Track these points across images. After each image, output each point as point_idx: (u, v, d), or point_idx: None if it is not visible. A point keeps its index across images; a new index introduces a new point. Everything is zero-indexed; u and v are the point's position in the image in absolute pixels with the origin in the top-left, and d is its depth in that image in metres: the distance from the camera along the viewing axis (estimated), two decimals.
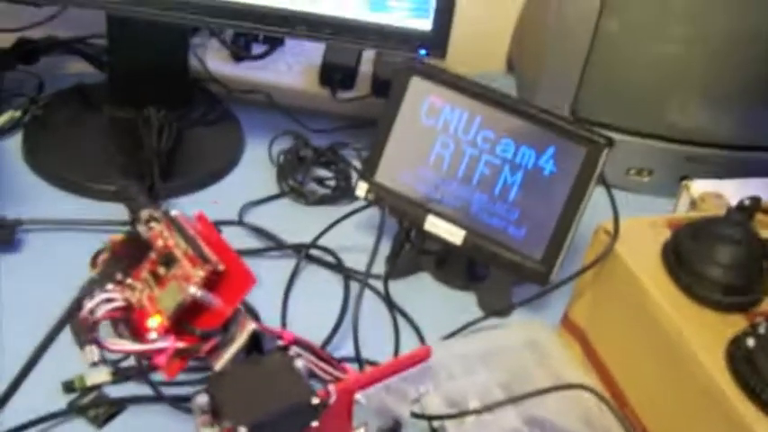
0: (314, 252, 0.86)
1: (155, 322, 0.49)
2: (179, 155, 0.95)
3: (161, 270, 0.50)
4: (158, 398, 0.68)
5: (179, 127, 0.97)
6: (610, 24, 0.98)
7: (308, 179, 0.97)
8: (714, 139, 1.04)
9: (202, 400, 0.47)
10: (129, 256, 0.52)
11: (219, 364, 0.49)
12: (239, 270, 0.50)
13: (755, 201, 0.74)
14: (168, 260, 0.50)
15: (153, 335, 0.48)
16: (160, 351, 0.48)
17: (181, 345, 0.49)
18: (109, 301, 0.49)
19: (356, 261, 0.86)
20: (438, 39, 0.85)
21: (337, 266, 0.85)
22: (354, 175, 0.98)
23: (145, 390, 0.70)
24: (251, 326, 0.50)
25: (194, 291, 0.48)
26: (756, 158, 1.05)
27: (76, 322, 0.67)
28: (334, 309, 0.81)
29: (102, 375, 0.70)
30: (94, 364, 0.66)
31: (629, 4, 0.97)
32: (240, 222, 0.89)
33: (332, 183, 0.97)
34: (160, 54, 0.99)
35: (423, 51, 0.86)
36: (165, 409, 0.68)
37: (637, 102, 1.02)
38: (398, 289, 0.84)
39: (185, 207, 0.87)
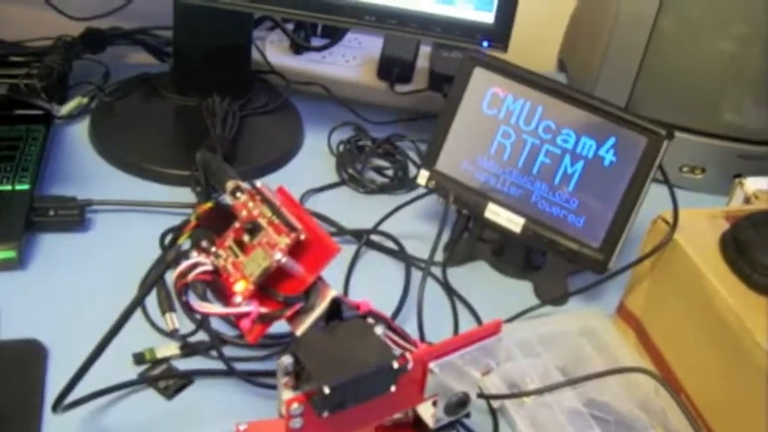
0: (374, 238, 0.88)
1: (240, 287, 0.51)
2: (241, 142, 0.98)
3: (245, 238, 0.52)
4: (226, 372, 0.70)
5: (241, 115, 1.00)
6: (667, 22, 0.99)
7: (367, 168, 0.99)
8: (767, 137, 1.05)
9: (287, 361, 0.49)
10: (213, 225, 0.54)
11: (301, 328, 0.51)
12: (321, 239, 0.52)
13: None
14: (253, 229, 0.52)
15: (238, 299, 0.50)
16: (244, 315, 0.50)
17: (264, 309, 0.51)
18: (198, 264, 0.51)
19: (414, 247, 0.87)
20: (501, 31, 0.87)
21: (398, 252, 0.87)
22: (411, 167, 1.00)
23: (211, 364, 0.72)
24: (332, 293, 0.52)
25: (280, 257, 0.50)
26: None
27: (163, 289, 0.70)
28: (393, 293, 0.83)
29: (171, 349, 0.73)
30: (174, 331, 0.69)
31: (686, 2, 0.98)
32: None
33: (390, 173, 0.99)
34: (224, 43, 1.01)
35: (485, 43, 0.87)
36: (232, 383, 0.71)
37: (692, 99, 1.04)
38: (456, 276, 0.86)
39: None
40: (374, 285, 0.83)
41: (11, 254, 0.79)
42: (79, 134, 0.99)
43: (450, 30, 0.88)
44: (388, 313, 0.79)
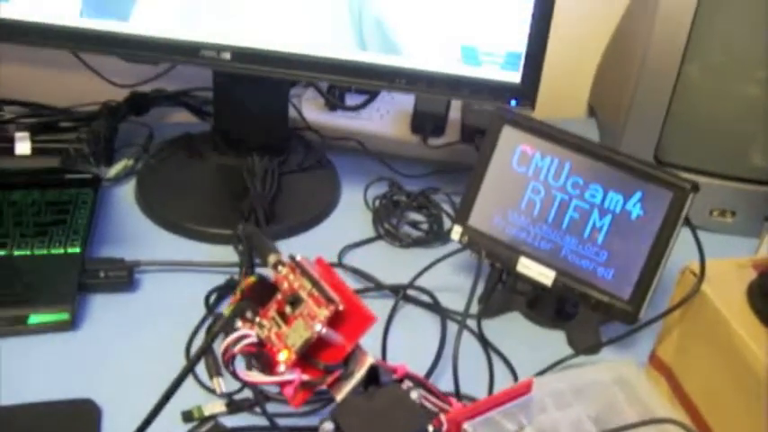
0: (410, 292, 0.91)
1: (283, 356, 0.54)
2: (280, 200, 1.02)
3: (287, 309, 0.56)
4: (270, 428, 0.73)
5: (279, 173, 1.04)
6: (692, 69, 1.02)
7: (402, 222, 1.02)
8: None
9: (329, 427, 0.52)
10: (256, 296, 0.57)
11: (341, 394, 0.54)
12: (358, 309, 0.55)
13: None
14: (294, 300, 0.55)
15: (282, 368, 0.54)
16: (288, 383, 0.53)
17: (306, 377, 0.54)
18: (244, 337, 0.54)
19: (449, 300, 0.90)
20: (527, 90, 0.90)
21: (434, 306, 0.89)
22: (446, 219, 1.03)
23: (256, 420, 0.75)
24: (370, 360, 0.55)
25: (320, 328, 0.53)
26: None
27: (211, 355, 0.74)
28: (429, 346, 0.85)
29: (217, 406, 0.76)
30: (222, 394, 0.72)
31: (710, 49, 1.01)
32: (340, 264, 0.95)
33: (424, 226, 1.02)
34: (262, 105, 1.06)
35: (513, 102, 0.91)
36: None
37: (719, 144, 1.06)
38: (491, 327, 0.88)
39: (287, 250, 0.93)
40: (411, 338, 0.86)
41: (64, 316, 0.83)
42: (126, 195, 1.04)
43: (478, 90, 0.91)
44: (424, 366, 0.82)
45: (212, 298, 0.87)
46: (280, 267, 0.57)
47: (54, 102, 1.11)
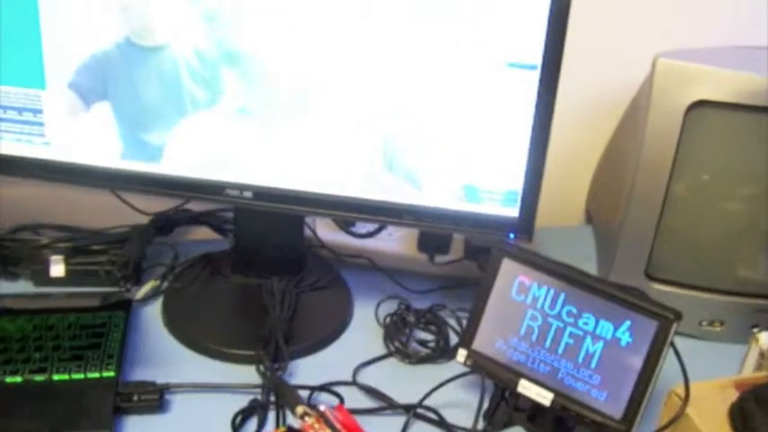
0: (420, 410, 0.98)
1: None
2: (297, 319, 1.09)
3: None
4: None
5: (297, 293, 1.12)
6: (679, 187, 1.09)
7: (412, 340, 1.10)
8: None
9: None
10: None
11: None
12: None
13: None
14: None
15: None
16: None
17: None
18: None
19: (456, 417, 0.97)
20: (524, 224, 0.99)
21: (442, 424, 0.97)
22: (452, 334, 1.11)
23: None
24: None
25: None
26: None
27: None
28: None
29: None
30: None
31: (696, 168, 1.08)
32: (354, 383, 1.02)
33: (432, 344, 1.09)
34: (279, 232, 1.14)
35: (511, 235, 0.99)
36: None
37: (707, 258, 1.13)
38: None
39: (305, 368, 1.02)
40: None
41: None
42: (153, 315, 1.12)
43: (479, 225, 1.00)
44: None
45: (238, 419, 0.94)
46: (306, 418, 0.65)
47: (81, 224, 1.19)
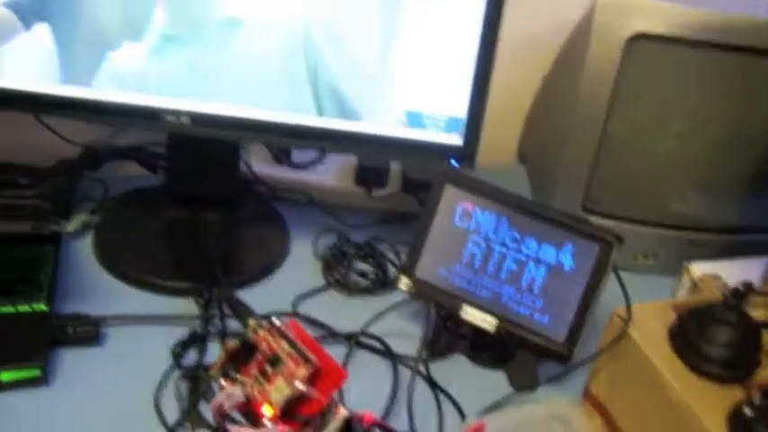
0: (362, 339, 0.98)
1: (267, 411, 0.60)
2: (233, 253, 1.07)
3: (268, 368, 0.62)
4: None
5: (231, 227, 1.10)
6: (616, 124, 1.10)
7: (351, 272, 1.09)
8: (711, 223, 1.17)
9: None
10: (238, 355, 0.63)
11: None
12: (332, 366, 0.61)
13: (747, 287, 0.86)
14: (274, 360, 0.62)
15: (266, 422, 0.60)
16: None
17: (288, 429, 0.60)
18: (233, 395, 0.60)
19: (398, 345, 0.97)
20: (468, 151, 0.99)
21: (385, 352, 0.96)
22: (390, 267, 1.10)
23: None
24: (344, 412, 0.61)
25: (301, 386, 0.60)
26: (749, 239, 1.18)
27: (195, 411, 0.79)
28: (381, 389, 0.92)
29: None
30: None
31: (633, 105, 1.10)
32: (295, 313, 1.01)
33: (371, 275, 1.09)
34: (214, 162, 1.11)
35: (454, 162, 0.98)
36: None
37: (642, 193, 1.15)
38: (437, 369, 0.95)
39: (245, 301, 1.00)
40: (364, 382, 0.92)
41: (36, 372, 0.87)
42: (85, 250, 1.08)
43: (422, 152, 0.99)
44: (379, 409, 0.89)
45: (178, 350, 0.92)
46: (259, 330, 0.63)
47: (6, 158, 1.15)
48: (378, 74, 0.96)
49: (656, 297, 0.99)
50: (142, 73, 0.96)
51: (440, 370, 0.95)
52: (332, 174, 1.23)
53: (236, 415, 0.62)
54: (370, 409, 0.86)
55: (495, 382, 0.96)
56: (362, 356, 0.97)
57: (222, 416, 0.60)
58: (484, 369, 0.98)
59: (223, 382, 0.63)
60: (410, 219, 1.06)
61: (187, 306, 1.00)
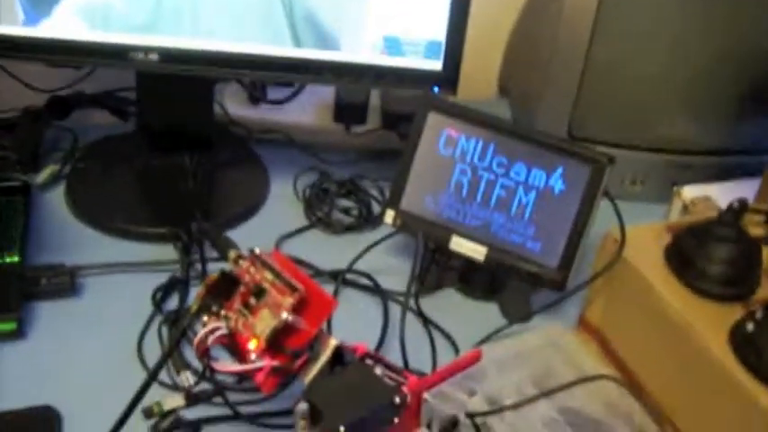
0: (349, 276, 0.95)
1: (253, 345, 0.57)
2: (212, 196, 1.04)
3: (252, 300, 0.59)
4: (232, 416, 0.76)
5: (209, 169, 1.06)
6: (599, 50, 1.07)
7: (334, 210, 1.06)
8: (699, 146, 1.14)
9: (303, 407, 0.55)
10: (220, 290, 0.60)
11: (309, 376, 0.58)
12: (319, 295, 0.58)
13: (743, 203, 0.83)
14: (258, 291, 0.59)
15: (253, 356, 0.57)
16: (260, 369, 0.57)
17: (276, 363, 0.57)
18: (215, 329, 0.57)
19: (387, 281, 0.94)
20: (449, 76, 0.95)
21: (374, 288, 0.93)
22: (374, 204, 1.07)
23: (217, 411, 0.78)
24: (334, 342, 0.58)
25: (286, 316, 0.57)
26: (737, 161, 1.15)
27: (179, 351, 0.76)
28: (372, 326, 0.89)
29: (177, 400, 0.78)
30: (189, 387, 0.75)
31: (616, 32, 1.06)
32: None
33: (355, 212, 1.06)
34: (187, 103, 1.07)
35: (435, 88, 0.95)
36: (239, 427, 0.76)
37: (628, 118, 1.12)
38: (427, 304, 0.93)
39: None
40: (354, 321, 0.89)
41: (11, 325, 0.84)
42: (56, 201, 1.04)
43: (402, 79, 0.95)
44: (371, 346, 0.86)
45: (158, 296, 0.89)
46: (240, 261, 0.60)
47: None
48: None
49: (646, 223, 0.97)
50: (107, 8, 0.92)
51: (430, 304, 0.93)
52: (309, 112, 1.19)
53: (222, 352, 0.59)
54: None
55: (488, 313, 0.94)
56: (351, 294, 0.95)
57: (205, 352, 0.57)
58: (475, 301, 0.96)
59: (206, 318, 0.59)
60: (392, 155, 1.02)
61: (167, 252, 0.96)
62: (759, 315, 0.73)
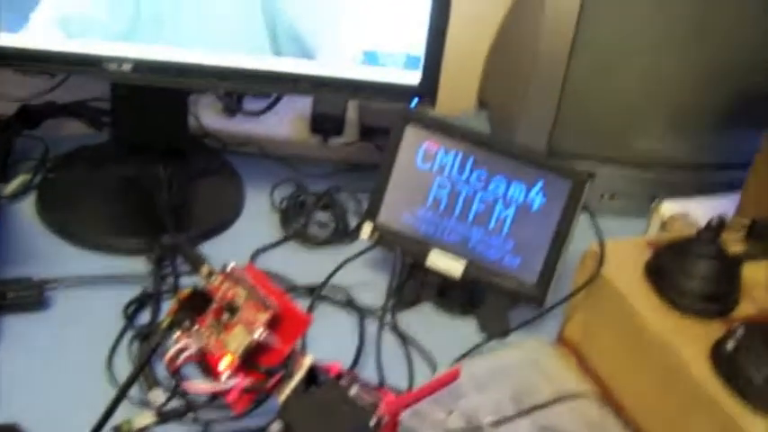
0: (325, 291, 0.93)
1: (226, 362, 0.55)
2: (186, 208, 1.02)
3: (225, 317, 0.57)
4: None
5: (183, 181, 1.04)
6: (579, 65, 1.07)
7: (310, 223, 1.04)
8: (678, 161, 1.14)
9: (277, 426, 0.54)
10: (193, 306, 0.58)
11: (283, 395, 0.56)
12: (293, 313, 0.57)
13: (721, 220, 0.82)
14: (231, 308, 0.57)
15: (225, 374, 0.55)
16: (232, 388, 0.55)
17: (248, 382, 0.56)
18: (185, 349, 0.55)
19: (363, 296, 0.93)
20: (427, 89, 0.94)
21: (350, 304, 0.92)
22: (352, 217, 1.06)
23: (187, 429, 0.76)
24: (308, 360, 0.57)
25: (259, 333, 0.55)
26: (717, 176, 1.15)
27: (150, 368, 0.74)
28: (347, 342, 0.88)
29: (147, 418, 0.76)
30: (160, 405, 0.73)
31: (595, 47, 1.06)
32: None
33: (332, 225, 1.04)
34: (160, 114, 1.05)
35: (414, 101, 0.94)
36: None
37: (607, 132, 1.12)
38: (404, 319, 0.91)
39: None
40: (329, 337, 0.88)
41: None
42: (26, 211, 1.02)
43: (380, 91, 0.94)
44: (346, 362, 0.84)
45: (130, 310, 0.87)
46: (212, 277, 0.58)
47: None
48: (332, 11, 0.90)
49: (625, 238, 0.96)
50: (85, 16, 0.90)
51: (408, 319, 0.91)
52: (286, 124, 1.18)
53: (195, 369, 0.57)
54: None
55: (466, 329, 0.92)
56: (326, 310, 0.93)
57: (176, 370, 0.55)
58: (453, 317, 0.94)
59: (178, 333, 0.58)
60: (369, 168, 1.01)
61: (139, 266, 0.94)
62: (739, 333, 0.72)
